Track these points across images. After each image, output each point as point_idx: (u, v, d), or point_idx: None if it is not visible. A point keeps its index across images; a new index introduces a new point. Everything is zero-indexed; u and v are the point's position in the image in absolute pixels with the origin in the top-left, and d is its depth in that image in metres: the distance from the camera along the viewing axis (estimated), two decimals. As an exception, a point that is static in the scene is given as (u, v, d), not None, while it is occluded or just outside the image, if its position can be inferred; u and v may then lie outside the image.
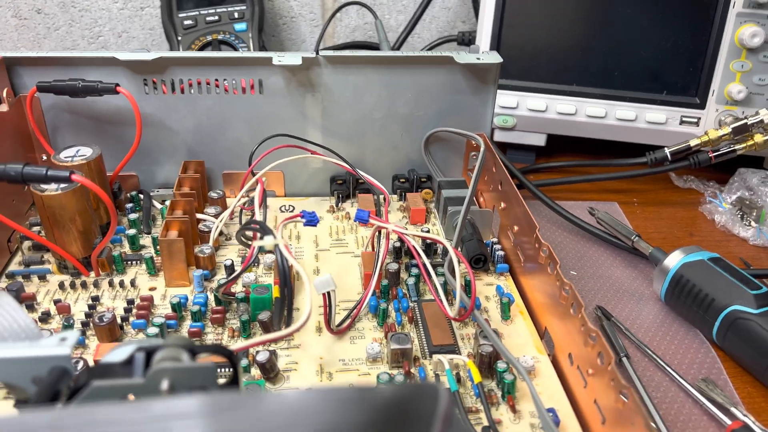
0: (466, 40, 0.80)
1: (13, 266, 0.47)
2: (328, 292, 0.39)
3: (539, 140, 0.70)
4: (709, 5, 0.63)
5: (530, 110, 0.67)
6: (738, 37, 0.62)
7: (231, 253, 0.49)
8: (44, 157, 0.53)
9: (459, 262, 0.41)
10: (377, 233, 0.46)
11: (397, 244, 0.47)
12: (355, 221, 0.47)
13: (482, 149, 0.48)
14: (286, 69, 0.51)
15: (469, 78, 0.53)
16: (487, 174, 0.54)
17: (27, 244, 0.49)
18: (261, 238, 0.35)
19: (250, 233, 0.41)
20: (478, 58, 0.52)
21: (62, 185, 0.42)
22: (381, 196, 0.54)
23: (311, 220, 0.43)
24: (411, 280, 0.45)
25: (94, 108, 0.52)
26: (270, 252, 0.47)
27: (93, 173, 0.47)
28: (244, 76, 0.51)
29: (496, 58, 0.52)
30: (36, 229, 0.51)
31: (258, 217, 0.41)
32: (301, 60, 0.50)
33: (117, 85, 0.47)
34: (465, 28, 0.88)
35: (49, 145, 0.51)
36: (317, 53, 0.51)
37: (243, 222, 0.51)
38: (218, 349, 0.24)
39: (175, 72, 0.51)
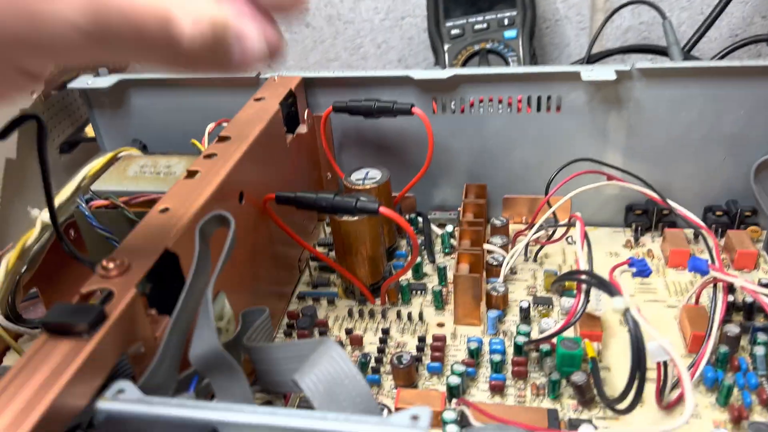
0: (779, 38, 0.67)
1: (301, 286, 0.48)
2: (664, 362, 0.32)
3: None
4: None
5: None
6: None
7: (519, 290, 0.45)
8: (329, 176, 0.53)
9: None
10: (713, 285, 0.37)
11: (731, 299, 0.39)
12: (689, 272, 0.39)
13: None
14: (591, 84, 0.45)
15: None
16: None
17: (314, 264, 0.49)
18: (596, 297, 0.30)
19: (566, 283, 0.36)
20: None
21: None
22: (699, 235, 0.45)
23: (643, 270, 0.36)
24: (760, 350, 0.36)
25: (378, 129, 0.50)
26: (570, 297, 0.41)
27: (382, 197, 0.46)
28: (540, 93, 0.46)
29: None
30: (321, 249, 0.51)
31: (583, 265, 0.35)
32: (615, 74, 0.43)
33: (412, 105, 0.44)
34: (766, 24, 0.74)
35: (338, 166, 0.50)
36: (588, 61, 0.44)
37: (531, 256, 0.47)
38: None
39: (465, 90, 0.47)
